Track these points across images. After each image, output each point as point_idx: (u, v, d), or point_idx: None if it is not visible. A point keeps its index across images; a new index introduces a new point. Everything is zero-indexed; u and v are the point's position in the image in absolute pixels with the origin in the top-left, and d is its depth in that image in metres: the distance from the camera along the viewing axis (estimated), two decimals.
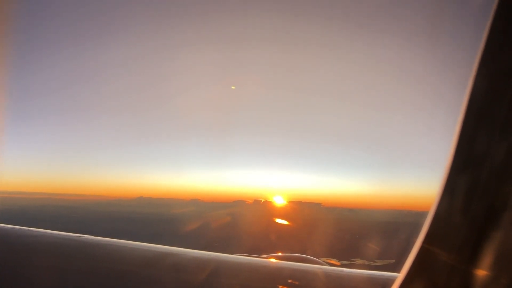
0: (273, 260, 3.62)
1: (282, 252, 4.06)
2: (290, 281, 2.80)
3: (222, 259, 3.18)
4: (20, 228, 3.74)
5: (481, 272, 1.39)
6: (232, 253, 3.48)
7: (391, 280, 1.75)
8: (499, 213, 1.35)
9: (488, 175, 1.37)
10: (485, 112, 1.39)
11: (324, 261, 3.92)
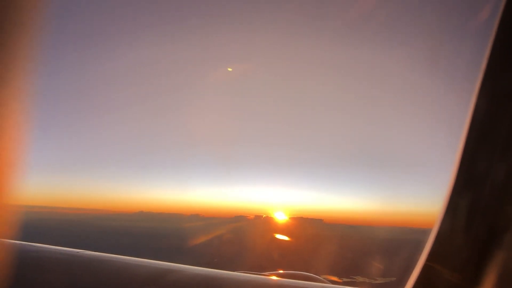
0: (274, 277, 3.58)
1: (283, 269, 4.01)
2: None
3: (223, 276, 3.14)
4: (19, 243, 3.72)
5: None
6: (233, 270, 3.45)
7: None
8: (501, 232, 1.35)
9: (490, 195, 1.38)
10: (487, 133, 1.40)
11: (325, 278, 3.87)
